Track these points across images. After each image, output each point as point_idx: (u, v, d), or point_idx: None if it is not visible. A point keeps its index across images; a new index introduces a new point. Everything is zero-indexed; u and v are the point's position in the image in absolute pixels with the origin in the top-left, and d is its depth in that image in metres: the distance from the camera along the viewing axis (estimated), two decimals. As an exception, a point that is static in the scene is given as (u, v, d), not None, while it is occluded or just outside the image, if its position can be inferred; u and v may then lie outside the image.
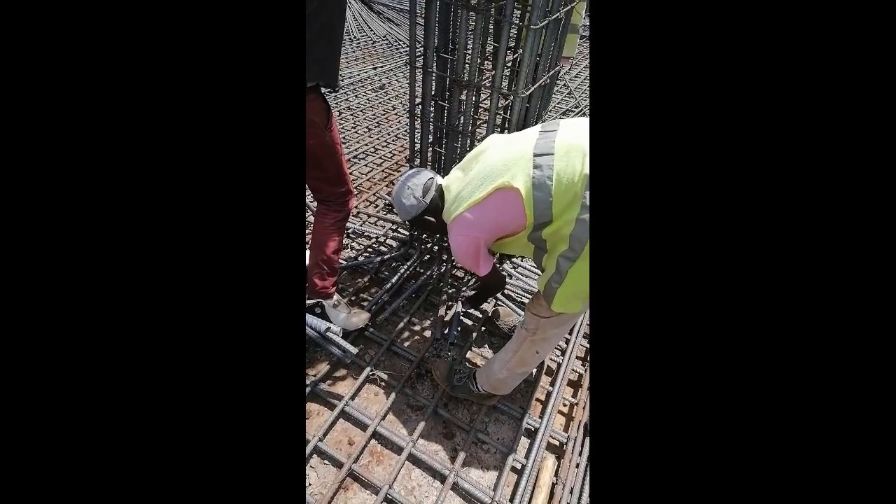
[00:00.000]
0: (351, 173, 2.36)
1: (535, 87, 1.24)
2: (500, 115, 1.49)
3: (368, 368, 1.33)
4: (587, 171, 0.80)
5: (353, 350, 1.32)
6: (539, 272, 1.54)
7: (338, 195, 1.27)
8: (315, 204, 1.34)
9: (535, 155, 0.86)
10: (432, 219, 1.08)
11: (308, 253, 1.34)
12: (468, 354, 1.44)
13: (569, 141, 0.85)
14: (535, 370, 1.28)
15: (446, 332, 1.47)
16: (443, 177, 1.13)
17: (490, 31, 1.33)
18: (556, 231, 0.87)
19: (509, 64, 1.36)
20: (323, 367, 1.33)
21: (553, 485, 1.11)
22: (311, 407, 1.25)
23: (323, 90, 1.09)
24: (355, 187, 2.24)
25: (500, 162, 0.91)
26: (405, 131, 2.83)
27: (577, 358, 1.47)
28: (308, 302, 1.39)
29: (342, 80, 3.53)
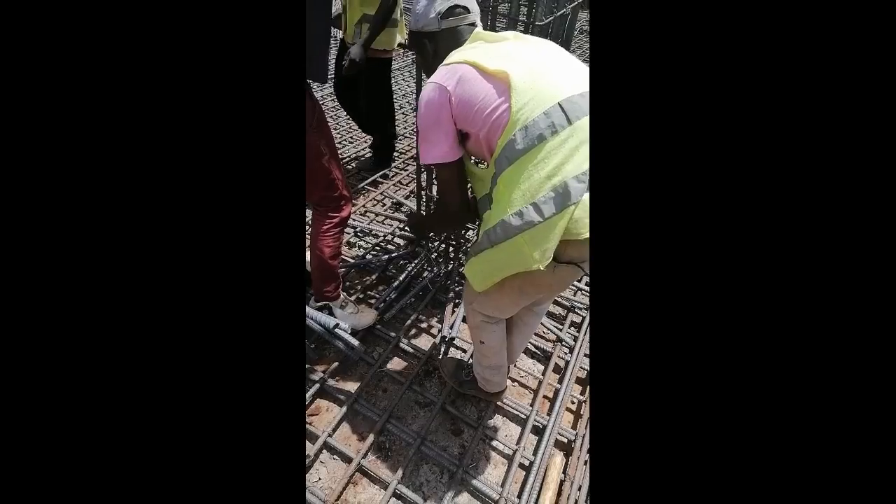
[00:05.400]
0: (358, 173, 2.37)
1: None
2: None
3: (377, 365, 1.35)
4: (567, 177, 0.71)
5: (362, 347, 1.34)
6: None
7: (330, 199, 1.23)
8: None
9: (560, 103, 0.73)
10: (431, 49, 0.90)
11: (308, 256, 1.33)
12: (476, 352, 1.45)
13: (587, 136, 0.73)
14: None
15: (448, 330, 1.47)
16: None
17: (497, 28, 1.33)
18: (501, 195, 0.77)
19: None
20: (332, 365, 1.34)
21: (561, 482, 1.11)
22: (321, 403, 1.26)
23: (316, 91, 1.08)
24: (362, 186, 2.25)
25: (532, 65, 0.76)
26: (412, 130, 2.83)
27: (586, 355, 1.46)
28: (316, 305, 1.40)
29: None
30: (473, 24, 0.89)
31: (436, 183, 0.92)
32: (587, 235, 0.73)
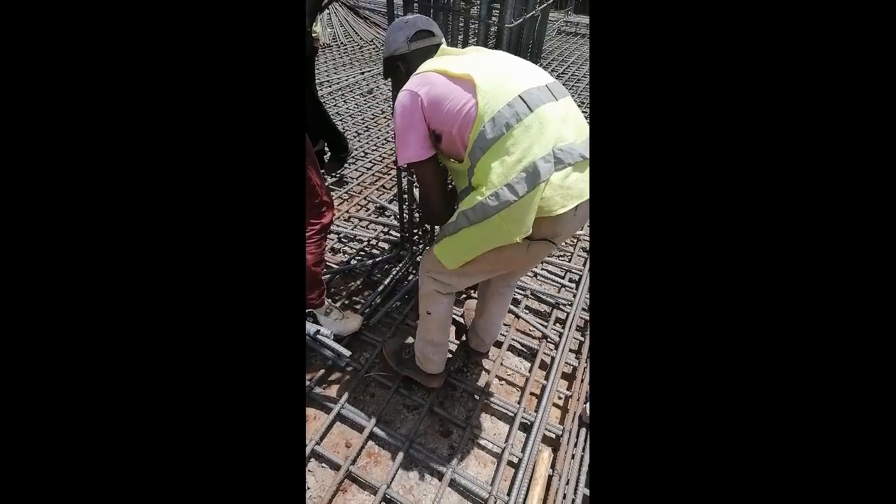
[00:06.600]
0: (342, 177, 2.37)
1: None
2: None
3: (363, 371, 1.34)
4: (535, 158, 0.79)
5: (347, 353, 1.33)
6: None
7: (311, 206, 1.23)
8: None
9: (521, 95, 0.82)
10: (403, 70, 1.01)
11: None
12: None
13: (551, 120, 0.81)
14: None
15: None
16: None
17: (474, 31, 1.34)
18: (479, 182, 0.84)
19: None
20: (318, 372, 1.33)
21: (550, 477, 1.12)
22: (308, 411, 1.26)
23: None
24: (346, 192, 2.25)
25: (493, 68, 0.87)
26: (394, 134, 2.83)
27: (571, 351, 1.48)
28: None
29: (329, 86, 3.54)
30: (438, 45, 1.01)
31: (417, 185, 1.01)
32: (559, 212, 0.82)
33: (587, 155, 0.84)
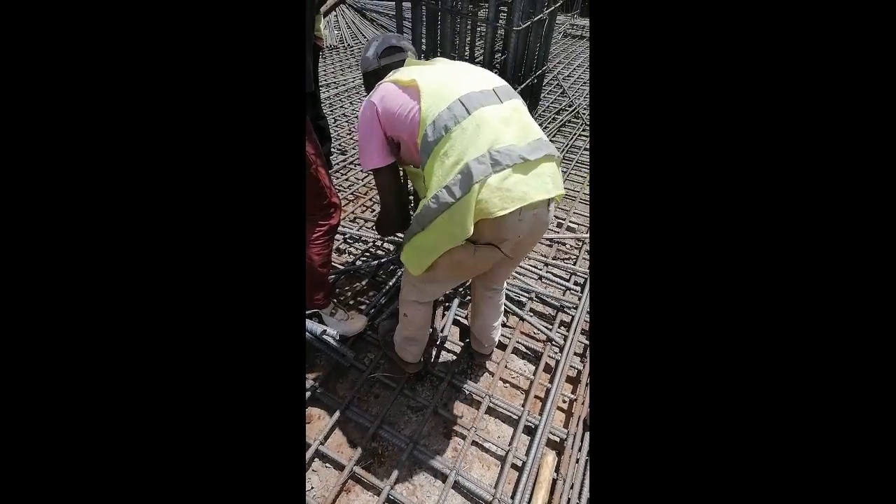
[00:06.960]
0: (346, 178, 2.38)
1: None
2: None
3: (367, 371, 1.34)
4: (469, 160, 0.81)
5: (352, 354, 1.33)
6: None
7: (320, 208, 1.24)
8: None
9: (460, 98, 0.85)
10: (375, 85, 1.07)
11: None
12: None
13: (488, 121, 0.84)
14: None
15: (440, 333, 1.48)
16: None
17: (481, 34, 1.34)
18: (427, 185, 0.88)
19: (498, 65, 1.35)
20: (322, 372, 1.34)
21: (554, 480, 1.12)
22: (312, 411, 1.26)
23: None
24: (351, 193, 2.25)
25: (439, 75, 0.92)
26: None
27: (576, 354, 1.47)
28: (306, 312, 1.40)
29: (336, 88, 3.56)
30: (405, 60, 1.08)
31: (377, 189, 1.09)
32: (498, 214, 0.82)
33: (530, 157, 0.84)
